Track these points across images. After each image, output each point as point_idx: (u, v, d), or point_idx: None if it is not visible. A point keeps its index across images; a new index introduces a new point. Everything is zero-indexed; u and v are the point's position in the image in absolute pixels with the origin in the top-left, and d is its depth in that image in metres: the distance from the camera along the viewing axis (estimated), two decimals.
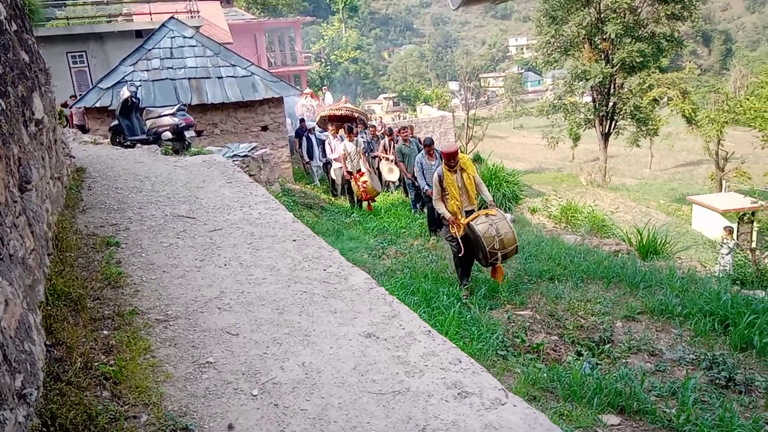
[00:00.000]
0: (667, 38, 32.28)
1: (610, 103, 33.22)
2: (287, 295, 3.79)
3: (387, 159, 12.20)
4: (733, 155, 30.48)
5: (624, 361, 5.11)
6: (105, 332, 3.15)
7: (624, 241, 9.11)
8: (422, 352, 2.97)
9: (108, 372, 2.70)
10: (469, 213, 6.35)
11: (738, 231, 18.41)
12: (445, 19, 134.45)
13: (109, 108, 11.50)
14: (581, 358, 5.23)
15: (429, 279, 6.79)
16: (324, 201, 12.83)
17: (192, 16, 21.41)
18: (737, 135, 38.89)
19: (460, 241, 6.28)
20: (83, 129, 12.42)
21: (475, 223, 6.08)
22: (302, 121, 15.52)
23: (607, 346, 5.40)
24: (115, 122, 9.96)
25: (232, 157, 9.98)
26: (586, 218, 11.45)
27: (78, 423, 2.26)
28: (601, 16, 32.09)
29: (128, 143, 9.75)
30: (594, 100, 34.06)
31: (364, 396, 2.65)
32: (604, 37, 32.26)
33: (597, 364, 5.08)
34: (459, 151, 6.41)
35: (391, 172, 12.28)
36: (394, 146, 11.67)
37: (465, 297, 6.22)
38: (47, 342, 2.73)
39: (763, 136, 8.31)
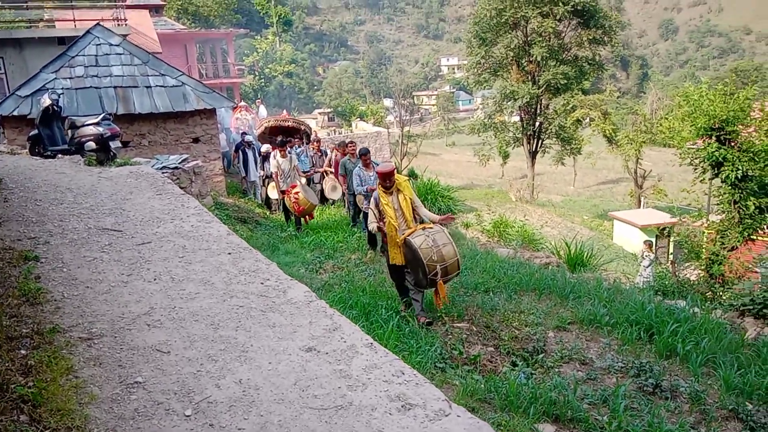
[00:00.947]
0: (589, 62, 34.08)
1: (537, 123, 34.62)
2: (223, 310, 3.64)
3: (327, 173, 12.08)
4: (650, 173, 32.34)
5: (557, 370, 5.23)
6: (23, 352, 2.91)
7: (553, 254, 9.43)
8: (365, 365, 2.92)
9: (26, 394, 2.49)
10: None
11: (656, 245, 19.44)
12: (379, 37, 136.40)
13: (28, 117, 10.83)
14: (516, 368, 5.32)
15: (367, 293, 6.74)
16: (258, 215, 12.58)
17: (119, 24, 20.62)
18: (653, 155, 41.38)
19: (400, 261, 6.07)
20: None
21: (412, 237, 5.85)
22: (244, 134, 15.22)
23: (541, 355, 5.51)
24: (35, 131, 9.39)
25: (161, 168, 9.61)
26: (517, 232, 11.77)
27: None
28: (528, 39, 33.50)
29: (49, 153, 9.21)
30: (522, 120, 35.37)
31: (305, 412, 2.56)
32: (531, 59, 33.67)
33: (531, 373, 5.18)
34: (395, 171, 6.15)
35: (334, 191, 12.02)
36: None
37: (402, 310, 6.14)
38: None
39: (681, 154, 8.87)
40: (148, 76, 12.30)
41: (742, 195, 8.30)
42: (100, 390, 2.75)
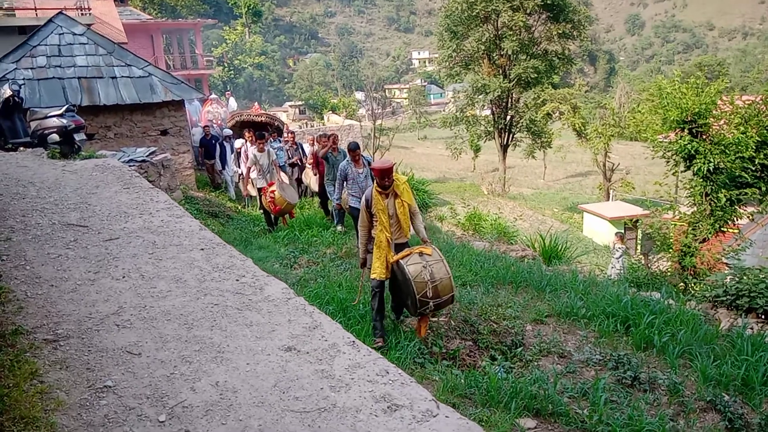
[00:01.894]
0: (559, 56, 34.39)
1: (508, 117, 34.83)
2: (196, 309, 3.49)
3: (310, 164, 11.72)
4: (618, 167, 32.86)
5: (536, 363, 5.21)
6: None
7: (529, 246, 9.45)
8: (347, 364, 2.82)
9: None
10: (399, 247, 5.28)
11: (625, 237, 19.71)
12: (350, 29, 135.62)
13: None
14: (495, 362, 5.29)
15: (344, 288, 6.63)
16: (230, 209, 12.33)
17: (82, 13, 19.96)
18: (621, 148, 42.05)
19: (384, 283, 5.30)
20: None
21: (406, 263, 4.98)
22: (206, 127, 14.88)
23: (519, 349, 5.49)
24: None
25: (128, 162, 9.33)
26: (491, 226, 11.78)
27: None
28: (499, 33, 33.62)
29: (9, 146, 8.84)
30: (493, 113, 35.55)
31: (286, 415, 2.45)
32: (502, 53, 33.84)
33: (510, 367, 5.15)
34: (394, 169, 5.25)
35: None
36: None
37: (378, 344, 5.10)
38: None
39: (654, 147, 8.94)
40: (113, 66, 11.91)
41: (713, 187, 8.43)
42: (68, 395, 2.59)
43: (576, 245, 11.90)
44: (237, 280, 3.91)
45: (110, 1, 26.64)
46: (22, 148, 8.69)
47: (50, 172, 6.90)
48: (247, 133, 12.57)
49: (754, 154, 8.06)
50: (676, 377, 4.80)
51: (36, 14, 19.35)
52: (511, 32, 33.04)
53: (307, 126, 36.61)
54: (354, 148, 8.00)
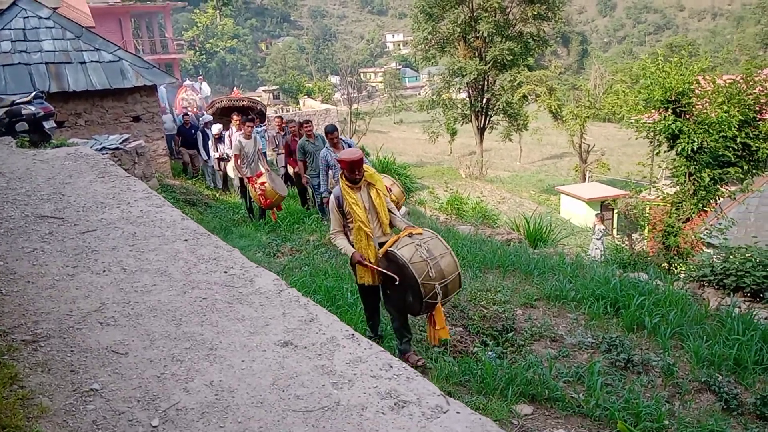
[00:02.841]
0: (534, 38, 34.39)
1: (485, 99, 34.79)
2: (184, 303, 3.33)
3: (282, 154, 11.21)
4: (593, 148, 33.13)
5: (528, 348, 5.16)
6: None
7: (513, 230, 9.41)
8: (348, 359, 2.69)
9: None
10: (382, 245, 4.55)
11: (605, 217, 19.93)
12: (323, 12, 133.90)
13: None
14: (486, 347, 5.22)
15: (330, 276, 6.50)
16: (208, 197, 12.06)
17: None
18: (594, 129, 42.38)
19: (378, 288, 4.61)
20: None
21: (396, 248, 4.28)
22: (186, 115, 14.41)
23: (511, 334, 5.43)
24: None
25: (100, 149, 9.00)
26: (473, 209, 11.73)
27: None
28: (474, 14, 33.44)
29: None
30: (470, 96, 35.47)
31: (288, 415, 2.32)
32: (477, 35, 33.68)
33: (503, 353, 5.09)
34: (363, 159, 4.62)
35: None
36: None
37: (418, 362, 4.57)
38: None
39: (638, 128, 8.93)
40: (82, 51, 11.48)
41: (696, 167, 8.47)
42: (51, 400, 2.42)
43: (557, 227, 11.92)
44: (225, 272, 3.75)
45: None
46: None
47: (20, 161, 6.59)
48: (235, 117, 11.86)
49: (736, 133, 8.10)
50: (669, 359, 4.80)
51: None
52: (487, 14, 32.89)
53: (282, 111, 36.08)
54: (331, 131, 7.46)
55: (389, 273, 4.29)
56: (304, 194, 10.04)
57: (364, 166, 4.57)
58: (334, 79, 67.27)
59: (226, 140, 11.96)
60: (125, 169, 8.29)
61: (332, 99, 51.64)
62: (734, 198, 9.49)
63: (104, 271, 3.76)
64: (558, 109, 33.02)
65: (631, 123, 9.59)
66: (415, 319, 5.12)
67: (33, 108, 8.22)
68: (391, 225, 4.73)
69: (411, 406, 2.33)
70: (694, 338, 5.05)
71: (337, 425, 2.26)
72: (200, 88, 20.47)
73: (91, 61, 11.46)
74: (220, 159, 12.61)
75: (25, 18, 11.37)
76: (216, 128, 12.59)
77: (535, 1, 32.99)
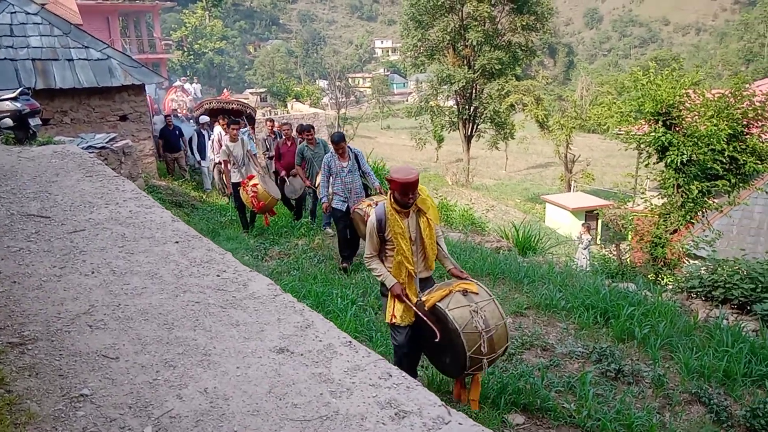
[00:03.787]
0: (522, 48, 34.64)
1: (472, 108, 34.96)
2: (176, 307, 3.25)
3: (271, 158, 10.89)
4: (579, 158, 33.43)
5: (519, 357, 5.15)
6: None
7: (503, 238, 9.42)
8: (346, 366, 2.64)
9: None
10: (422, 284, 3.96)
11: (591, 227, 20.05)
12: (312, 16, 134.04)
13: None
14: None
15: (319, 281, 6.45)
16: (195, 198, 11.93)
17: None
18: (579, 140, 42.79)
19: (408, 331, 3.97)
20: None
21: (447, 307, 3.64)
22: (168, 117, 14.25)
23: None
24: None
25: (87, 148, 8.85)
26: (462, 216, 11.73)
27: None
28: (464, 23, 33.64)
29: None
30: (457, 104, 35.63)
31: (285, 425, 2.27)
32: (466, 43, 33.88)
33: None
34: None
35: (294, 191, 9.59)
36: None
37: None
38: None
39: (628, 139, 9.02)
40: (69, 48, 11.31)
41: (685, 179, 8.56)
42: (40, 406, 2.34)
43: (545, 236, 11.96)
44: (218, 276, 3.68)
45: None
46: None
47: (5, 158, 6.46)
48: (221, 121, 11.53)
49: (724, 147, 8.20)
50: (660, 369, 4.81)
51: None
52: (476, 23, 33.11)
53: (270, 113, 35.92)
54: (338, 140, 7.06)
55: (432, 325, 3.66)
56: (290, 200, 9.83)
57: (420, 187, 3.80)
58: (323, 84, 67.24)
59: (215, 143, 11.74)
60: (112, 169, 8.17)
61: (320, 103, 51.59)
62: (720, 210, 9.61)
63: (93, 273, 3.67)
64: (544, 119, 33.29)
65: (618, 134, 9.69)
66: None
67: (19, 104, 8.07)
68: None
69: (412, 417, 2.29)
70: (684, 349, 5.06)
71: None
72: (192, 90, 20.28)
73: (79, 59, 11.29)
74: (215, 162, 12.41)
75: (12, 13, 11.18)
76: (216, 130, 12.37)
77: (523, 12, 33.29)
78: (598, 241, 22.77)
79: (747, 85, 9.10)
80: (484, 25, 33.57)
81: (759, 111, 8.57)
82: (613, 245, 9.36)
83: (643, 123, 9.08)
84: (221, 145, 10.62)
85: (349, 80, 71.63)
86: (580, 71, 63.57)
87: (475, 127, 35.72)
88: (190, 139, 13.83)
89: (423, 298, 3.80)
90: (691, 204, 8.57)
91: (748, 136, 8.67)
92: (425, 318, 3.71)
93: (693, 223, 9.06)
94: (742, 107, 8.63)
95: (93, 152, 8.76)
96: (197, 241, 4.27)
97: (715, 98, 8.65)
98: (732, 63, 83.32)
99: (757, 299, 5.95)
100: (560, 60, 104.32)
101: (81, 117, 11.53)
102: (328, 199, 7.26)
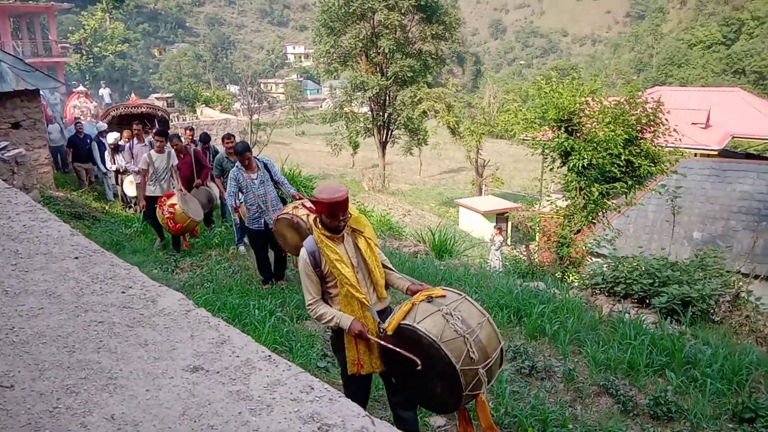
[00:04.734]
0: (432, 56, 35.53)
1: (386, 114, 35.43)
2: (77, 328, 3.02)
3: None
4: (489, 163, 34.67)
5: None
6: None
7: (420, 242, 9.57)
8: (266, 382, 2.55)
9: None
10: (382, 317, 3.37)
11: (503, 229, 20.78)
12: (221, 20, 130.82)
13: None
14: None
15: (235, 293, 6.25)
16: (96, 209, 11.25)
17: None
18: (488, 146, 44.41)
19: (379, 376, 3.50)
20: None
21: (413, 320, 3.06)
22: (78, 124, 13.34)
23: None
24: None
25: None
26: (379, 221, 11.80)
27: None
28: (376, 30, 34.04)
29: None
30: (372, 110, 35.97)
31: None
32: (379, 51, 34.30)
33: None
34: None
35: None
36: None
37: None
38: None
39: (533, 145, 9.46)
40: None
41: (586, 182, 9.08)
42: None
43: (460, 239, 12.28)
44: (123, 293, 3.46)
45: None
46: None
47: None
48: (135, 126, 10.51)
49: (621, 151, 8.78)
50: (570, 364, 5.03)
51: None
52: (388, 31, 33.60)
53: (178, 120, 34.63)
54: (242, 150, 6.38)
55: (407, 354, 3.01)
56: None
57: (350, 208, 3.30)
58: (234, 89, 65.75)
59: (126, 152, 10.92)
60: (3, 180, 7.54)
61: (232, 109, 50.36)
62: (619, 211, 10.27)
63: None
64: (456, 126, 34.27)
65: (524, 140, 10.15)
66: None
67: None
68: (387, 285, 3.54)
69: (335, 430, 2.25)
70: (591, 344, 5.33)
71: None
72: (102, 95, 19.07)
73: None
74: (118, 172, 11.68)
75: None
76: (111, 137, 11.67)
77: (433, 21, 34.16)
78: (509, 243, 23.68)
79: (640, 93, 9.82)
80: (396, 34, 34.14)
81: (651, 117, 9.27)
82: (523, 246, 9.77)
83: (547, 129, 9.58)
84: (132, 155, 10.05)
85: (262, 86, 70.53)
86: (487, 80, 66.22)
87: (389, 133, 36.20)
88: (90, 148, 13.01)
89: (383, 326, 3.21)
90: (593, 205, 9.11)
91: (641, 140, 9.34)
92: (396, 350, 3.07)
93: (594, 223, 9.63)
94: (636, 114, 9.29)
95: None
96: (99, 255, 4.00)
97: (612, 105, 9.26)
98: (625, 72, 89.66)
99: (655, 293, 6.38)
100: (468, 69, 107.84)
101: None
102: (242, 210, 6.70)
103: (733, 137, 23.79)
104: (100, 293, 3.47)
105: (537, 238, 10.96)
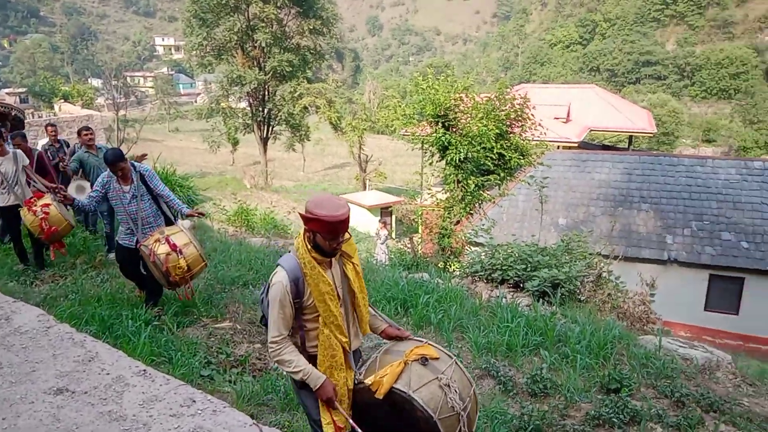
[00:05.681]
0: (311, 51, 35.30)
1: (266, 109, 34.68)
2: None
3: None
4: (371, 158, 35.16)
5: None
6: None
7: None
8: (141, 399, 2.38)
9: None
10: (354, 355, 2.94)
11: (387, 223, 21.18)
12: (79, 9, 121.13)
13: None
14: None
15: (104, 303, 5.77)
16: None
17: None
18: (370, 141, 45.09)
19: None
20: None
21: (410, 388, 2.64)
22: None
23: None
24: None
25: None
26: (263, 220, 11.53)
27: None
28: (251, 24, 33.15)
29: None
30: (251, 106, 35.04)
31: None
32: (255, 44, 33.46)
33: None
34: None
35: (82, 192, 7.82)
36: None
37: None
38: None
39: (413, 140, 9.73)
40: None
41: (464, 175, 9.47)
42: None
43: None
44: None
45: None
46: None
47: None
48: None
49: (493, 145, 9.26)
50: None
51: None
52: (264, 24, 32.88)
53: (33, 117, 31.54)
54: (112, 161, 5.37)
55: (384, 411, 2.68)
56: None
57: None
58: (97, 83, 61.12)
59: None
60: None
61: (95, 104, 46.79)
62: (493, 201, 10.83)
63: None
64: (337, 121, 34.35)
65: (404, 135, 10.40)
66: None
67: None
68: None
69: None
70: (473, 329, 5.56)
71: None
72: None
73: None
74: None
75: None
76: None
77: (310, 16, 33.91)
78: (394, 236, 24.19)
79: (508, 90, 10.41)
80: (272, 27, 33.49)
81: (519, 112, 9.86)
82: (407, 238, 10.00)
83: (426, 125, 9.88)
84: None
85: (128, 79, 66.14)
86: (367, 76, 67.19)
87: (270, 128, 35.50)
88: None
89: (367, 382, 2.71)
90: (470, 197, 9.53)
91: (511, 134, 9.91)
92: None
93: (472, 214, 10.09)
94: (506, 110, 9.83)
95: None
96: None
97: (483, 102, 9.73)
98: (493, 70, 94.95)
99: (528, 277, 6.80)
100: (348, 65, 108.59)
101: None
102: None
103: (591, 130, 26.03)
104: None
105: (420, 230, 11.28)
